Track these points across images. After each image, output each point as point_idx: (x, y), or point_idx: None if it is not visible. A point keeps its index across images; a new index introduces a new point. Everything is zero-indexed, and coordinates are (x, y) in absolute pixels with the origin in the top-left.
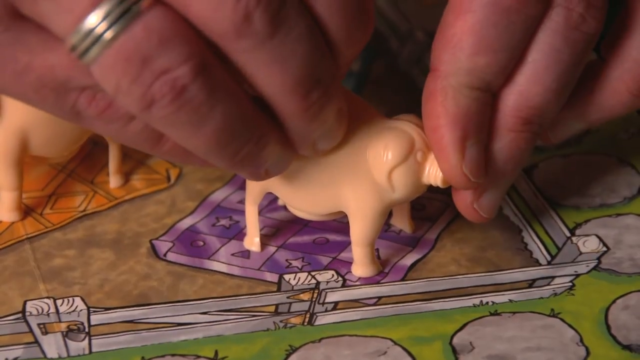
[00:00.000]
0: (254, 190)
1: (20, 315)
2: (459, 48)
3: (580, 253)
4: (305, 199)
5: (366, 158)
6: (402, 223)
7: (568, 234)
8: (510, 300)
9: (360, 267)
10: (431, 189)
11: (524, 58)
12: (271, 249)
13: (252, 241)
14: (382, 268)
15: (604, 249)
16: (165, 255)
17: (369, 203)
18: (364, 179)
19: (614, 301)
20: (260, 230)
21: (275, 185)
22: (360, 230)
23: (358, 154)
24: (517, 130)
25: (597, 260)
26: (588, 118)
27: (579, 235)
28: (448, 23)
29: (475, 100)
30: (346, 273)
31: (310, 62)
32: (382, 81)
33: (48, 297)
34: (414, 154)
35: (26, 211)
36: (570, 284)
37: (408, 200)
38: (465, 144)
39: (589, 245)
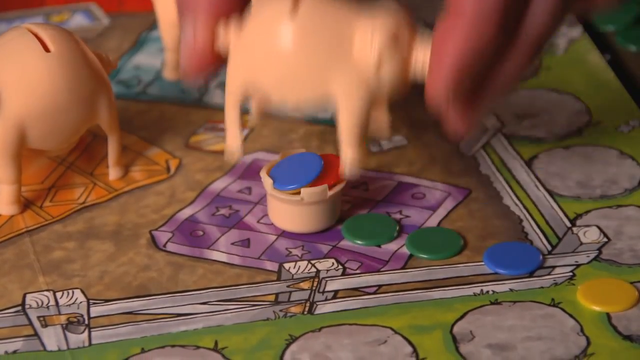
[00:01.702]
0: (237, 88)
1: (20, 308)
2: None
3: (581, 243)
4: (291, 89)
5: (352, 42)
6: (378, 127)
7: (569, 225)
8: (511, 290)
9: (349, 148)
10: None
11: None
12: (271, 237)
13: (234, 145)
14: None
15: (605, 239)
16: (165, 245)
17: (354, 89)
18: (351, 65)
19: None
20: (260, 218)
21: (259, 78)
22: (346, 122)
23: (343, 39)
24: None
25: (597, 251)
26: None
27: (579, 226)
28: None
29: None
30: (346, 261)
31: None
32: None
33: (48, 290)
34: (400, 35)
35: (25, 204)
36: (571, 274)
37: (392, 90)
38: None
39: (589, 235)
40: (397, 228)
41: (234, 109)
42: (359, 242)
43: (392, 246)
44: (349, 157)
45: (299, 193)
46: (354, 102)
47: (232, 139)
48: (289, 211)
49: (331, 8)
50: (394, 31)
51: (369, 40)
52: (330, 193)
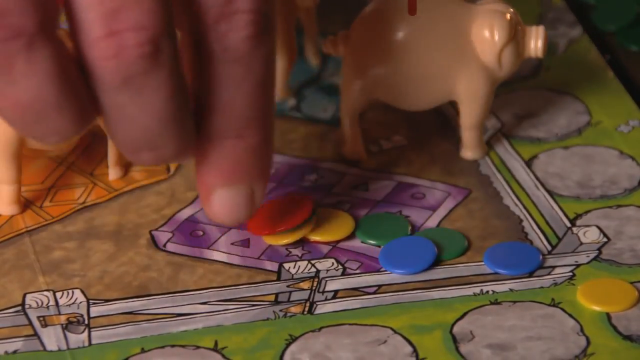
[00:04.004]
0: (355, 102)
1: (19, 308)
2: None
3: (581, 243)
4: (414, 95)
5: (470, 43)
6: None
7: (569, 225)
8: (511, 290)
9: (470, 150)
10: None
11: None
12: None
13: (355, 150)
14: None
15: (605, 239)
16: (164, 245)
17: (480, 86)
18: (472, 63)
19: None
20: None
21: (379, 90)
22: (472, 114)
23: (461, 40)
24: None
25: (597, 251)
26: None
27: (579, 226)
28: None
29: None
30: (346, 261)
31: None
32: None
33: (48, 290)
34: (516, 30)
35: (25, 204)
36: (571, 274)
37: (509, 76)
38: None
39: (589, 235)
40: (410, 227)
41: (353, 117)
42: (372, 242)
43: None
44: (468, 156)
45: None
46: (479, 98)
47: (354, 148)
48: None
49: (446, 5)
50: (512, 24)
51: (489, 36)
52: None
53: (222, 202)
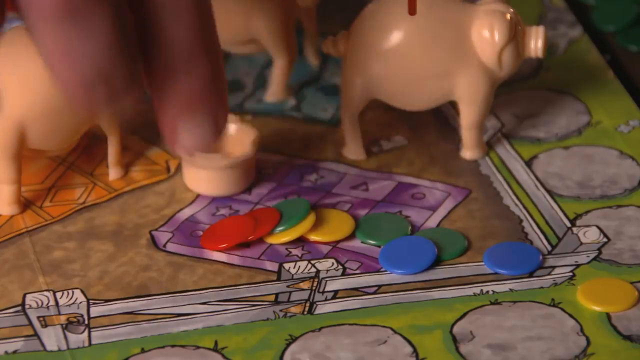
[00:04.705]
0: (355, 102)
1: (20, 308)
2: None
3: (581, 243)
4: (414, 95)
5: (470, 43)
6: None
7: (569, 225)
8: (511, 290)
9: (470, 150)
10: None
11: None
12: None
13: (355, 150)
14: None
15: (605, 239)
16: (164, 246)
17: (480, 86)
18: (472, 63)
19: None
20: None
21: (379, 89)
22: (472, 114)
23: (461, 40)
24: None
25: (597, 251)
26: None
27: (579, 226)
28: None
29: None
30: (346, 261)
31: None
32: None
33: (48, 290)
34: (516, 30)
35: (25, 204)
36: (571, 274)
37: (509, 75)
38: None
39: (589, 235)
40: (410, 227)
41: (353, 117)
42: (372, 242)
43: None
44: (467, 156)
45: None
46: (479, 98)
47: (355, 148)
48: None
49: (446, 5)
50: (512, 24)
51: (489, 36)
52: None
53: (187, 136)
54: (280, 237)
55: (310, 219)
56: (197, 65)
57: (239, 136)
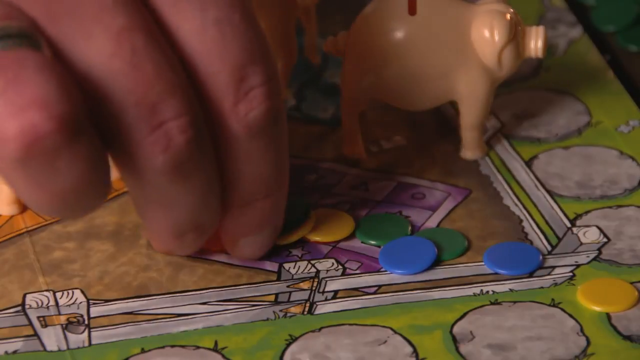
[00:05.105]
0: (355, 102)
1: (19, 308)
2: None
3: (581, 243)
4: (414, 95)
5: (470, 43)
6: None
7: (568, 225)
8: (511, 290)
9: (470, 150)
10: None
11: None
12: None
13: (355, 150)
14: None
15: (605, 239)
16: None
17: (480, 86)
18: (472, 63)
19: None
20: None
21: (379, 89)
22: (472, 114)
23: (461, 41)
24: None
25: (597, 251)
26: None
27: (579, 226)
28: None
29: None
30: (346, 261)
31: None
32: None
33: (48, 290)
34: (516, 30)
35: (25, 204)
36: (571, 274)
37: (509, 75)
38: None
39: (589, 235)
40: (410, 227)
41: (353, 117)
42: (372, 242)
43: None
44: (468, 156)
45: None
46: (479, 99)
47: (354, 146)
48: None
49: (446, 5)
50: (512, 24)
51: (489, 36)
52: None
53: (249, 247)
54: (281, 240)
55: (311, 219)
56: (274, 192)
57: None
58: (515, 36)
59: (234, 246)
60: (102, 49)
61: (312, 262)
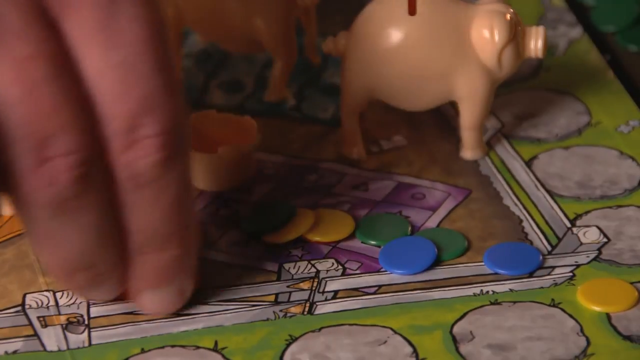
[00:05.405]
0: (355, 102)
1: (20, 308)
2: None
3: (581, 244)
4: (414, 95)
5: (470, 43)
6: None
7: (568, 225)
8: (511, 290)
9: (470, 150)
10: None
11: None
12: None
13: (355, 150)
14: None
15: (605, 240)
16: None
17: (480, 86)
18: (472, 63)
19: None
20: None
21: (379, 89)
22: (472, 115)
23: (461, 41)
24: None
25: (597, 251)
26: None
27: (579, 226)
28: None
29: None
30: (346, 262)
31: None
32: None
33: (48, 290)
34: (516, 30)
35: None
36: (571, 274)
37: (508, 75)
38: None
39: (589, 236)
40: (410, 227)
41: (353, 117)
42: (372, 242)
43: None
44: (468, 156)
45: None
46: (479, 99)
47: (354, 146)
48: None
49: (446, 5)
50: (512, 24)
51: (489, 36)
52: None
53: (150, 301)
54: (281, 237)
55: (310, 219)
56: (169, 247)
57: (239, 129)
58: (515, 36)
59: (136, 297)
60: (2, 74)
61: (312, 262)
